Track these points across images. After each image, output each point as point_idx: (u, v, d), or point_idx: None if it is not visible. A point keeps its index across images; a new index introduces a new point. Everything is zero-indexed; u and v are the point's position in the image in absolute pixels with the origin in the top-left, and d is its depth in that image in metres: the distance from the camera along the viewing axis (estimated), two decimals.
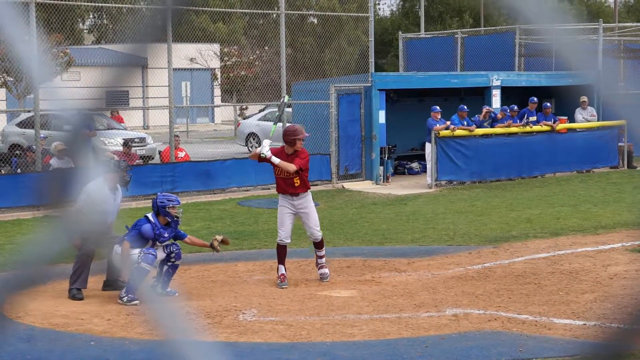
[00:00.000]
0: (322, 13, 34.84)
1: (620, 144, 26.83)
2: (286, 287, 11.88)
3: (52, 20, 21.99)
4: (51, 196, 1.74)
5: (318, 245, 12.32)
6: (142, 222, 11.32)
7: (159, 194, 11.88)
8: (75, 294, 11.31)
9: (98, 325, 10.05)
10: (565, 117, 26.17)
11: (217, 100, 49.76)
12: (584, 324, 9.75)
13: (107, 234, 11.64)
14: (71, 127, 1.78)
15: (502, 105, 25.85)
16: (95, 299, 11.29)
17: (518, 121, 25.18)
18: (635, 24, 39.46)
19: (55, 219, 1.79)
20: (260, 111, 37.60)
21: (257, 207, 20.10)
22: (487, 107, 24.90)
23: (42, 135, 20.28)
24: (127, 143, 24.00)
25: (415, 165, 26.78)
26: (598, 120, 27.32)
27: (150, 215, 11.37)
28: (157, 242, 11.28)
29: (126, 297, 10.94)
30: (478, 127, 24.12)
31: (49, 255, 1.76)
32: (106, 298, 11.32)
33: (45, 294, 11.13)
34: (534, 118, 25.55)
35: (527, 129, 25.25)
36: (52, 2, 21.16)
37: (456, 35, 33.62)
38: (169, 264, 11.35)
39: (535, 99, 25.63)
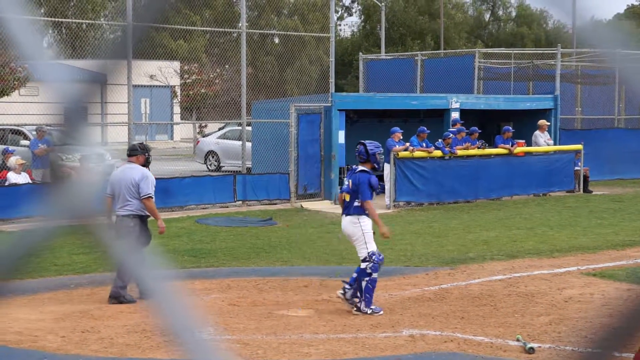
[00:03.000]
0: (283, 32, 34.90)
1: (576, 168, 27.11)
2: None
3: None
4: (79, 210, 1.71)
5: None
6: (365, 176, 11.55)
7: (366, 142, 11.87)
8: (130, 298, 11.83)
9: (52, 342, 9.94)
10: (523, 141, 26.37)
11: (177, 118, 49.54)
12: (539, 347, 9.81)
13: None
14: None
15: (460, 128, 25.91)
16: (50, 315, 11.17)
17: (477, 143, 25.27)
18: (592, 50, 39.92)
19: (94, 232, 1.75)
20: (219, 129, 37.53)
21: (215, 225, 20.03)
22: (451, 134, 24.67)
23: (10, 149, 20.16)
24: (85, 159, 23.79)
25: None
26: (555, 144, 27.63)
27: (367, 169, 11.64)
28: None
29: (370, 310, 11.30)
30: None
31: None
32: (61, 315, 11.21)
33: None
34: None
35: (486, 151, 25.39)
36: (10, 16, 20.99)
37: (416, 57, 33.79)
38: (367, 279, 11.49)
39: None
